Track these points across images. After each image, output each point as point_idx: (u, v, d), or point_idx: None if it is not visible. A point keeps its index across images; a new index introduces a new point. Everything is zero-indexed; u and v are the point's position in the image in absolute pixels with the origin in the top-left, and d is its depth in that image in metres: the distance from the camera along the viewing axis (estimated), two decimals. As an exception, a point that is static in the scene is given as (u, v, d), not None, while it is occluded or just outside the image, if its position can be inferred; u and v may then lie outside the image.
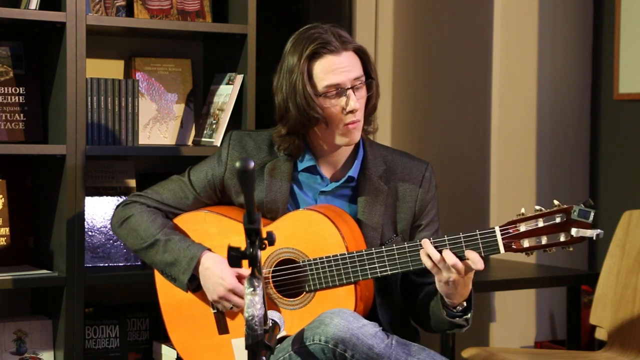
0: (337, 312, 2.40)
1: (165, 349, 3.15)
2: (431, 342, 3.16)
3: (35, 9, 3.03)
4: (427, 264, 2.44)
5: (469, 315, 2.53)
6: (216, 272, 2.57)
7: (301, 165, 2.66)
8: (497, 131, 4.16)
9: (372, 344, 2.36)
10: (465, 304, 2.52)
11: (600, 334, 3.33)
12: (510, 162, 4.17)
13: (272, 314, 2.37)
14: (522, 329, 4.19)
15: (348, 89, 2.55)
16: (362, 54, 2.60)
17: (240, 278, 2.58)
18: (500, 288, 3.90)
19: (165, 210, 2.74)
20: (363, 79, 2.58)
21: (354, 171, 2.65)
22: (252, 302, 1.99)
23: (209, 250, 2.62)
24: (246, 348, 2.00)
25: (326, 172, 2.67)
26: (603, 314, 3.31)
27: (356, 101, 2.55)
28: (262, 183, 2.66)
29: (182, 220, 2.74)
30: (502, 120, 4.15)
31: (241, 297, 2.56)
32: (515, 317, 4.18)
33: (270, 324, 2.27)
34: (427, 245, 2.44)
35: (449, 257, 2.41)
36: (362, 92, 2.58)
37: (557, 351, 3.54)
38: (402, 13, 4.64)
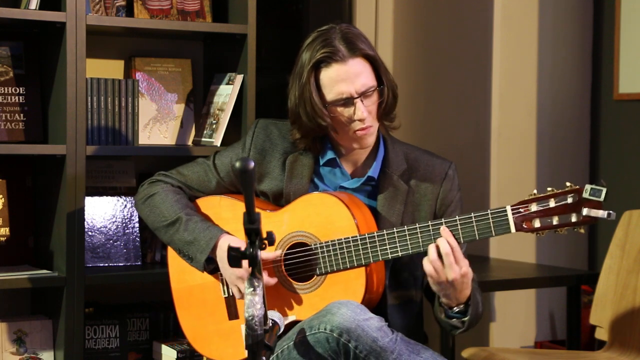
0: (344, 303, 2.41)
1: (165, 349, 3.15)
2: (431, 342, 3.16)
3: (35, 9, 3.03)
4: (426, 268, 2.45)
5: (465, 319, 2.52)
6: None
7: (322, 160, 2.67)
8: (497, 131, 4.16)
9: (376, 337, 2.37)
10: (463, 307, 2.52)
11: (600, 334, 3.33)
12: (510, 161, 4.17)
13: (272, 314, 2.37)
14: (522, 329, 4.19)
15: (355, 98, 2.53)
16: (372, 60, 2.57)
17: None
18: (500, 288, 3.90)
19: (187, 192, 2.77)
20: (373, 85, 2.56)
21: (373, 171, 2.65)
22: (252, 302, 1.99)
23: (228, 233, 2.63)
24: (246, 348, 2.00)
25: (347, 168, 2.68)
26: (603, 314, 3.31)
27: (364, 110, 2.53)
28: (282, 173, 2.67)
29: (197, 204, 2.76)
30: (502, 120, 4.15)
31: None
32: (515, 317, 4.18)
33: (270, 324, 2.27)
34: (430, 252, 2.44)
35: (444, 247, 2.42)
36: (373, 99, 2.57)
37: (557, 351, 3.54)
38: (402, 13, 4.64)
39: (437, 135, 4.48)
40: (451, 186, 2.68)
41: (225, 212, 2.70)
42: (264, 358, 2.02)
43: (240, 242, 2.59)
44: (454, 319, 2.53)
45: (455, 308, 2.51)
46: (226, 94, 3.28)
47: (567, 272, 3.82)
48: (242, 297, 2.62)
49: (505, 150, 4.16)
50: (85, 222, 3.16)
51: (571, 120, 4.24)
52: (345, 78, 2.53)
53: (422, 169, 2.67)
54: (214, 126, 3.28)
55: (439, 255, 2.43)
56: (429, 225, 2.48)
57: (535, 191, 2.41)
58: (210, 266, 2.65)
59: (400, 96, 2.71)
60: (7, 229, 3.17)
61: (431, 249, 2.45)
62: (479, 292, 2.59)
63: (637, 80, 4.01)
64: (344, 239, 2.53)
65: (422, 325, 2.78)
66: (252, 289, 1.99)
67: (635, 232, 3.30)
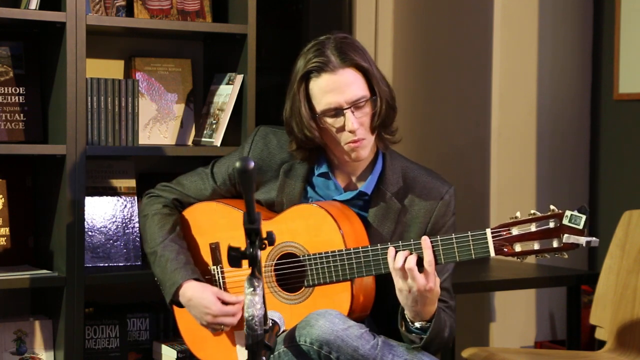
0: (322, 314, 2.40)
1: (165, 349, 3.15)
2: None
3: (35, 9, 3.03)
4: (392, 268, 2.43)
5: (424, 337, 2.44)
6: (200, 302, 2.59)
7: (317, 171, 2.64)
8: (497, 131, 4.16)
9: (357, 346, 2.36)
10: (425, 324, 2.44)
11: (600, 334, 3.33)
12: (510, 162, 4.17)
13: (272, 314, 2.37)
14: (522, 329, 4.19)
15: (345, 108, 2.49)
16: (364, 71, 2.51)
17: (222, 301, 2.60)
18: (500, 288, 3.90)
19: (186, 201, 2.76)
20: (365, 96, 2.51)
21: (367, 186, 2.60)
22: (252, 302, 1.99)
23: (194, 279, 2.63)
24: (246, 348, 2.00)
25: (341, 181, 2.64)
26: (603, 314, 3.31)
27: (354, 121, 2.49)
28: (276, 181, 2.66)
29: (194, 210, 2.76)
30: (502, 120, 4.15)
31: (230, 315, 2.59)
32: (515, 317, 4.18)
33: (270, 324, 2.27)
34: (397, 254, 2.42)
35: (410, 261, 2.38)
36: (365, 110, 2.51)
37: (557, 351, 3.54)
38: (402, 13, 4.64)
39: (437, 136, 4.48)
40: (445, 211, 2.59)
41: (221, 218, 2.70)
42: (264, 358, 2.02)
43: (203, 288, 2.60)
44: (413, 334, 2.46)
45: (417, 324, 2.45)
46: (226, 94, 3.28)
47: (567, 272, 3.82)
48: (214, 331, 2.63)
49: (505, 150, 4.16)
50: (85, 222, 3.16)
51: (571, 120, 4.24)
52: (334, 88, 2.48)
53: (419, 189, 2.60)
54: (214, 126, 3.28)
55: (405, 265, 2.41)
56: (411, 243, 2.43)
57: (518, 214, 2.36)
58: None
59: (400, 97, 2.69)
60: (7, 229, 3.17)
61: (399, 258, 2.40)
62: (451, 319, 2.54)
63: (637, 80, 4.01)
64: (331, 252, 2.52)
65: None
66: (252, 289, 1.99)
67: (635, 232, 3.30)
